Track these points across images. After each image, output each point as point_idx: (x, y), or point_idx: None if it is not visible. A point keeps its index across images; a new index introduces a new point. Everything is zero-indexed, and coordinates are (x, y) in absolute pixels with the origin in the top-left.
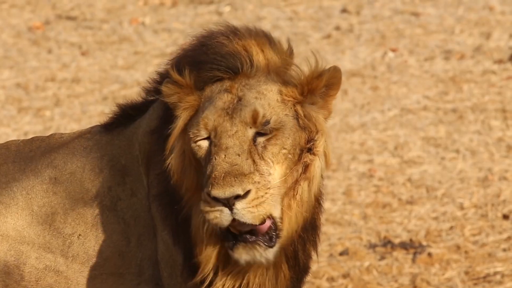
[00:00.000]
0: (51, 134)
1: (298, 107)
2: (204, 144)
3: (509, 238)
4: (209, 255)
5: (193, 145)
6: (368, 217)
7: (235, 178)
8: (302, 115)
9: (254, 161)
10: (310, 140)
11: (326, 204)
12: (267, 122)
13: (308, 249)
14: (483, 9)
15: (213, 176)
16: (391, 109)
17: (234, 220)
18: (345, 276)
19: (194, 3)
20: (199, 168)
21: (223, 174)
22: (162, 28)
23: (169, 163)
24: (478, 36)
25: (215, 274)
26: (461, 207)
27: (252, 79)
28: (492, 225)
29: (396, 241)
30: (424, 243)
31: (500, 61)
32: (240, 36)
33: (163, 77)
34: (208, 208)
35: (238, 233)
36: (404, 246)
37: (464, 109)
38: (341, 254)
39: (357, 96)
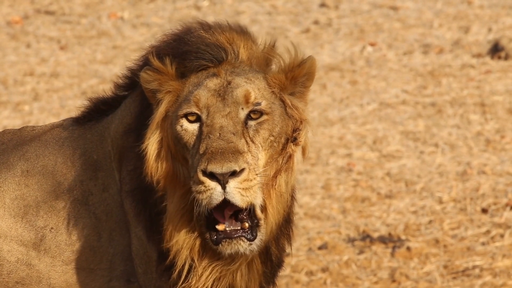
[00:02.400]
0: (23, 127)
1: (285, 97)
2: (191, 127)
3: (487, 232)
4: (182, 244)
5: (178, 128)
6: (347, 211)
7: (232, 155)
8: (290, 104)
9: (246, 142)
10: (296, 129)
11: (305, 198)
12: (258, 103)
13: (282, 243)
14: (462, 3)
15: (210, 152)
16: (370, 103)
17: (223, 201)
18: (324, 270)
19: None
20: (177, 156)
21: (220, 150)
22: (140, 23)
23: (145, 149)
24: (456, 30)
25: (190, 268)
26: (440, 201)
27: (237, 68)
28: (471, 219)
29: (375, 235)
30: (403, 237)
31: (479, 55)
32: (221, 30)
33: (134, 73)
34: (201, 187)
35: (223, 230)
36: (383, 240)
37: (443, 103)
38: (320, 248)
39: (336, 90)
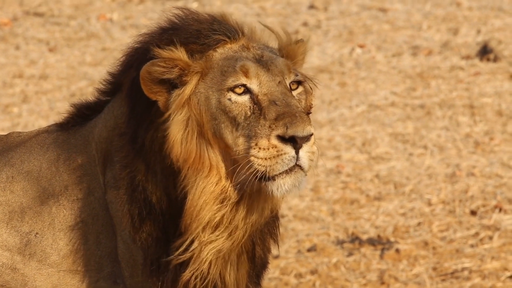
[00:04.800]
0: (9, 133)
1: (301, 71)
2: (241, 99)
3: (476, 234)
4: (203, 218)
5: (226, 102)
6: (336, 213)
7: (306, 118)
8: (307, 77)
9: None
10: (311, 105)
11: (294, 201)
12: (297, 74)
13: (268, 243)
14: (451, 4)
15: (287, 116)
16: (359, 105)
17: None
18: (313, 272)
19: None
20: (206, 134)
21: (297, 115)
22: (130, 24)
23: (168, 130)
24: (445, 32)
25: (191, 242)
26: (429, 203)
27: (253, 43)
28: (460, 221)
29: (364, 237)
30: (392, 239)
31: (467, 57)
32: (211, 13)
33: (115, 77)
34: (272, 152)
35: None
36: (372, 242)
37: (432, 105)
38: (309, 250)
39: (325, 92)
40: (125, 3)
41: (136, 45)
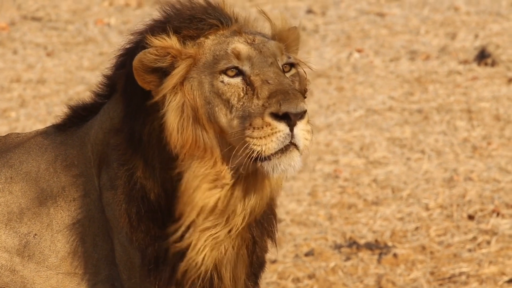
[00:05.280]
0: (8, 134)
1: (294, 55)
2: (234, 81)
3: (474, 238)
4: (197, 202)
5: (219, 84)
6: (334, 217)
7: (299, 95)
8: (301, 61)
9: None
10: (306, 89)
11: (292, 205)
12: (289, 57)
13: (265, 242)
14: (448, 9)
15: (280, 94)
16: (356, 110)
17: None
18: (311, 276)
19: (160, 3)
20: (201, 119)
21: (290, 92)
22: (127, 29)
23: (165, 117)
24: (443, 37)
25: (187, 229)
26: (427, 208)
27: (246, 29)
28: (457, 226)
29: (362, 241)
30: (390, 243)
31: (465, 62)
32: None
33: (110, 78)
34: (267, 131)
35: None
36: (369, 246)
37: (430, 109)
38: (306, 254)
39: (322, 96)
40: (123, 8)
41: (128, 45)
